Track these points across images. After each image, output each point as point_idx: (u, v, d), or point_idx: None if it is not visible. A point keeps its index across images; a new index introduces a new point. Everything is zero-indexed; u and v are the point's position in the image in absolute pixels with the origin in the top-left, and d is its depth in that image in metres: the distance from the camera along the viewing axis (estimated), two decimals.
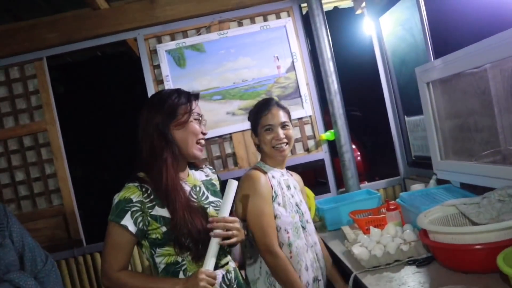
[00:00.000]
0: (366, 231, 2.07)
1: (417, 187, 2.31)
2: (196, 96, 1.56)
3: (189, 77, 2.81)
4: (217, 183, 1.68)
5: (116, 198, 1.42)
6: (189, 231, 1.40)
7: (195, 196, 1.52)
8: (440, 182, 2.21)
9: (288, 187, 1.87)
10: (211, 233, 1.42)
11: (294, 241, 1.78)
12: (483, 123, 2.01)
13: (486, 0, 1.94)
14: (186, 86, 2.78)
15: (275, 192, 1.79)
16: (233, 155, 2.87)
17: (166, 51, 2.79)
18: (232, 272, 1.55)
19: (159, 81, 2.83)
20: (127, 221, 1.38)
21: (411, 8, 2.38)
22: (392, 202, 2.14)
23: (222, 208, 1.47)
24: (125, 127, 4.79)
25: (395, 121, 2.86)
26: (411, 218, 1.97)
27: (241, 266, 1.80)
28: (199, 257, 1.43)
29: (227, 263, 1.54)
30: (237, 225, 1.48)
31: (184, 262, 1.44)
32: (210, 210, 1.53)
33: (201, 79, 2.82)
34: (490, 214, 1.55)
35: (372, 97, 3.23)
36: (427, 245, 1.59)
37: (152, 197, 1.42)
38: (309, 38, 2.91)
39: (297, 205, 1.87)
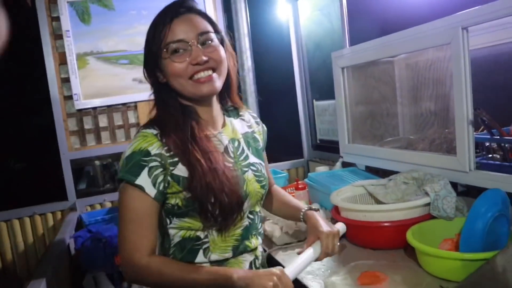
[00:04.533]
0: None
1: (322, 169, 2.38)
2: (184, 8, 1.08)
3: (93, 36, 2.54)
4: (260, 137, 1.29)
5: (128, 150, 1.05)
6: (216, 197, 1.04)
7: (232, 155, 1.15)
8: (344, 165, 2.31)
9: None
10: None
11: None
12: (388, 111, 2.13)
13: None
14: (90, 46, 2.58)
15: None
16: (137, 125, 2.68)
17: (68, 2, 2.48)
18: (260, 257, 1.24)
19: (57, 35, 2.51)
20: (143, 181, 1.02)
21: None
22: (301, 181, 2.18)
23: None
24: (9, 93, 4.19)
25: (304, 105, 2.92)
26: (318, 197, 2.03)
27: None
28: (227, 233, 1.11)
29: (256, 248, 1.20)
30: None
31: (207, 240, 1.10)
32: (249, 175, 1.15)
33: (107, 39, 2.57)
34: (396, 195, 1.64)
35: (277, 82, 3.22)
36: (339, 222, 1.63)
37: (172, 152, 1.06)
38: (226, 13, 2.82)
39: None
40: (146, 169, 1.02)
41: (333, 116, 2.57)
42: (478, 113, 1.44)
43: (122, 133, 2.66)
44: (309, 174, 2.19)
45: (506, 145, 1.45)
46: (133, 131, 2.68)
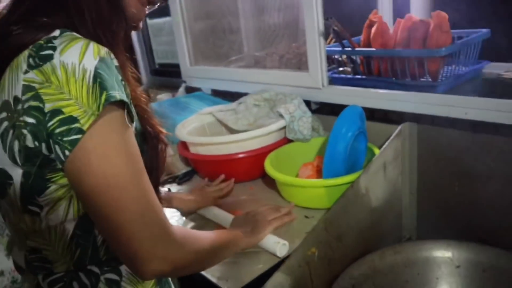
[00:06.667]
0: None
1: (164, 97, 2.11)
2: None
3: None
4: None
5: (90, 55, 0.55)
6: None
7: None
8: (189, 90, 2.07)
9: None
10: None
11: None
12: (231, 26, 1.91)
13: None
14: None
15: None
16: None
17: None
18: None
19: None
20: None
21: None
22: None
23: None
24: None
25: None
26: None
27: None
28: None
29: None
30: None
31: None
32: None
33: None
34: (247, 120, 1.48)
35: None
36: (188, 159, 1.42)
37: None
38: None
39: None
40: (122, 86, 0.60)
41: (171, 35, 2.25)
42: (330, 22, 1.30)
43: None
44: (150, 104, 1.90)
45: (356, 58, 1.36)
46: None
